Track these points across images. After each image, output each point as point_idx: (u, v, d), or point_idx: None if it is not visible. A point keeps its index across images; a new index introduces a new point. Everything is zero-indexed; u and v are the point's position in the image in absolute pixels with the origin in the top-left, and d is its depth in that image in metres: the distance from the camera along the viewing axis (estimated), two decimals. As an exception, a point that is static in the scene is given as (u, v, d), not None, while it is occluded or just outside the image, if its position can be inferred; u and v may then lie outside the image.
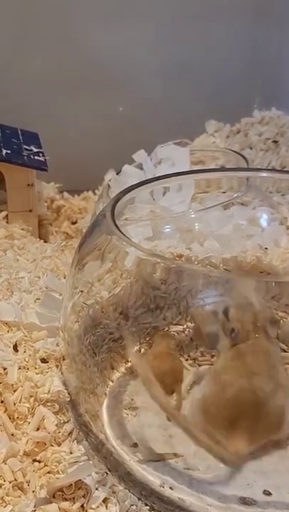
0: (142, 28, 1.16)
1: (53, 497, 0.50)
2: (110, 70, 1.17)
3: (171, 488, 0.51)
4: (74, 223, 1.02)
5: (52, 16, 1.11)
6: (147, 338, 0.68)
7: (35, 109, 1.11)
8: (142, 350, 0.67)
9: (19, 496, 0.49)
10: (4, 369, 0.58)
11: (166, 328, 0.68)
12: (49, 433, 0.53)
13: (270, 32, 1.24)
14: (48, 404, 0.56)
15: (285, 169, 1.01)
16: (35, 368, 0.60)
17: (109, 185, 0.88)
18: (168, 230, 0.78)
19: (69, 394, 0.57)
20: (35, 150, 0.95)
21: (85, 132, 1.17)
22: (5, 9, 1.09)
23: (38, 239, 0.91)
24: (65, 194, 1.09)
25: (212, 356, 0.68)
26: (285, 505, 0.51)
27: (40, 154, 0.94)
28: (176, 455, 0.54)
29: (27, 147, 0.95)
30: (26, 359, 0.60)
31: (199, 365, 0.67)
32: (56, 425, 0.54)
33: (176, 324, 0.69)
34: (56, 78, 1.15)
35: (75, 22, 1.13)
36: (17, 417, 0.55)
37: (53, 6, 1.11)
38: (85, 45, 1.14)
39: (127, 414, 0.60)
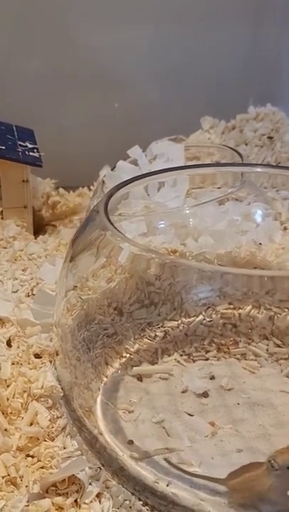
0: (138, 26, 1.16)
1: (46, 492, 0.50)
2: (106, 68, 1.16)
3: (168, 484, 0.51)
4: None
5: (51, 14, 1.11)
6: (142, 334, 0.68)
7: (33, 106, 1.11)
8: (137, 345, 0.67)
9: (12, 491, 0.49)
10: (-3, 364, 0.58)
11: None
12: (42, 428, 0.53)
13: (266, 29, 1.24)
14: (42, 399, 0.56)
15: (280, 165, 1.01)
16: (29, 364, 0.60)
17: (104, 181, 0.88)
18: (162, 225, 0.78)
19: (62, 389, 0.57)
20: (30, 146, 0.94)
21: (82, 129, 1.17)
22: (4, 7, 1.09)
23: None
24: (61, 190, 1.09)
25: (206, 352, 0.68)
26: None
27: (35, 150, 0.94)
28: (168, 449, 0.54)
29: (22, 143, 0.95)
30: (20, 354, 0.60)
31: (194, 361, 0.67)
32: (49, 420, 0.54)
33: (170, 320, 0.69)
34: (53, 76, 1.15)
35: (73, 20, 1.13)
36: (10, 412, 0.55)
37: (52, 5, 1.11)
38: (82, 42, 1.14)
39: (121, 410, 0.60)
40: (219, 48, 1.21)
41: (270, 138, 1.06)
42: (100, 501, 0.50)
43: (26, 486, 0.50)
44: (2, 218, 0.90)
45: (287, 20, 1.24)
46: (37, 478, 0.50)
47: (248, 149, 1.06)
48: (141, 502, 0.51)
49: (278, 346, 0.68)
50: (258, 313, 0.69)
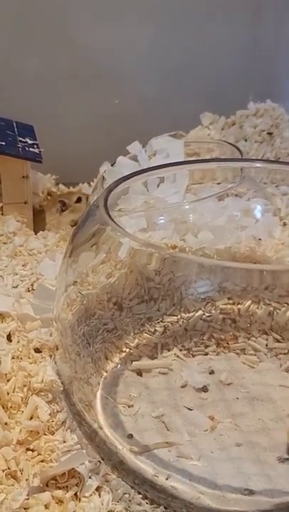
0: (138, 22, 1.16)
1: (46, 485, 0.50)
2: (107, 64, 1.16)
3: (168, 478, 0.52)
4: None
5: (50, 11, 1.11)
6: (141, 329, 0.68)
7: (33, 103, 1.11)
8: (136, 340, 0.67)
9: (12, 485, 0.49)
10: (-2, 359, 0.58)
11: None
12: (42, 422, 0.53)
13: (266, 26, 1.24)
14: (42, 393, 0.56)
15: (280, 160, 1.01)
16: (29, 358, 0.60)
17: (104, 177, 0.88)
18: (162, 221, 0.78)
19: (62, 383, 0.57)
20: (30, 142, 0.95)
21: (82, 125, 1.17)
22: (5, 6, 1.09)
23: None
24: (61, 186, 1.09)
25: (206, 346, 0.68)
26: (281, 493, 0.51)
27: (35, 146, 0.94)
28: (168, 443, 0.55)
29: (22, 139, 0.95)
30: (20, 349, 0.60)
31: (193, 356, 0.67)
32: (49, 414, 0.54)
33: (170, 315, 0.69)
34: (53, 73, 1.15)
35: (73, 17, 1.13)
36: (10, 407, 0.55)
37: (51, 3, 1.11)
38: (82, 39, 1.14)
39: (121, 404, 0.60)
40: (219, 45, 1.21)
41: (270, 134, 1.06)
42: (99, 495, 0.50)
43: (26, 480, 0.50)
44: (2, 214, 0.90)
45: (286, 15, 1.24)
46: (37, 471, 0.50)
47: (248, 145, 1.06)
48: (140, 495, 0.51)
49: (277, 341, 0.68)
50: (258, 308, 0.70)
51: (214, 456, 0.54)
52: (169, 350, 0.67)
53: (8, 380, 0.56)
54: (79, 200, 0.96)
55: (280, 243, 0.76)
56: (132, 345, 0.67)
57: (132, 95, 1.19)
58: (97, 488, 0.51)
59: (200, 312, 0.69)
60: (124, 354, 0.66)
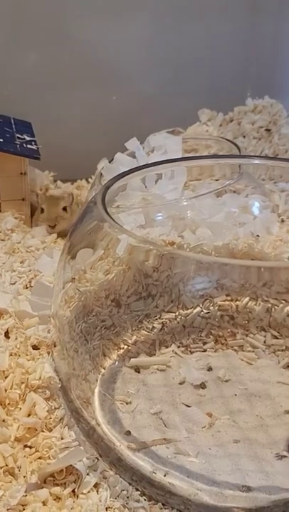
0: (137, 19, 1.16)
1: (44, 482, 0.50)
2: (105, 61, 1.16)
3: (165, 474, 0.52)
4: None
5: (49, 8, 1.11)
6: (139, 326, 0.68)
7: (31, 99, 1.11)
8: (134, 337, 0.67)
9: (10, 482, 0.49)
10: (-5, 356, 0.58)
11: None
12: (40, 419, 0.53)
13: (264, 22, 1.24)
14: (39, 390, 0.56)
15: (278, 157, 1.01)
16: (27, 355, 0.60)
17: (101, 174, 0.88)
18: (160, 217, 0.78)
19: (60, 380, 0.57)
20: (27, 139, 0.94)
21: (80, 122, 1.17)
22: (3, 0, 1.09)
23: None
24: (59, 183, 1.09)
25: (204, 343, 0.68)
26: (279, 489, 0.51)
27: (33, 143, 0.94)
28: (166, 440, 0.55)
29: (20, 136, 0.95)
30: (18, 346, 0.60)
31: (191, 352, 0.67)
32: (47, 411, 0.54)
33: (168, 312, 0.69)
34: (52, 69, 1.14)
35: (71, 13, 1.13)
36: (8, 403, 0.55)
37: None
38: (80, 36, 1.14)
39: (119, 401, 0.60)
40: (217, 41, 1.21)
41: (268, 130, 1.06)
42: (97, 491, 0.50)
43: (24, 477, 0.50)
44: (0, 211, 0.90)
45: (284, 12, 1.24)
46: (35, 468, 0.50)
47: (246, 142, 1.06)
48: (138, 492, 0.51)
49: (275, 338, 0.68)
50: (256, 305, 0.70)
51: (212, 453, 0.54)
52: (167, 346, 0.67)
53: (5, 377, 0.56)
54: (64, 209, 0.92)
55: (278, 240, 0.76)
56: (129, 341, 0.67)
57: (131, 92, 1.19)
58: (95, 485, 0.51)
59: (198, 309, 0.69)
60: (122, 351, 0.66)
